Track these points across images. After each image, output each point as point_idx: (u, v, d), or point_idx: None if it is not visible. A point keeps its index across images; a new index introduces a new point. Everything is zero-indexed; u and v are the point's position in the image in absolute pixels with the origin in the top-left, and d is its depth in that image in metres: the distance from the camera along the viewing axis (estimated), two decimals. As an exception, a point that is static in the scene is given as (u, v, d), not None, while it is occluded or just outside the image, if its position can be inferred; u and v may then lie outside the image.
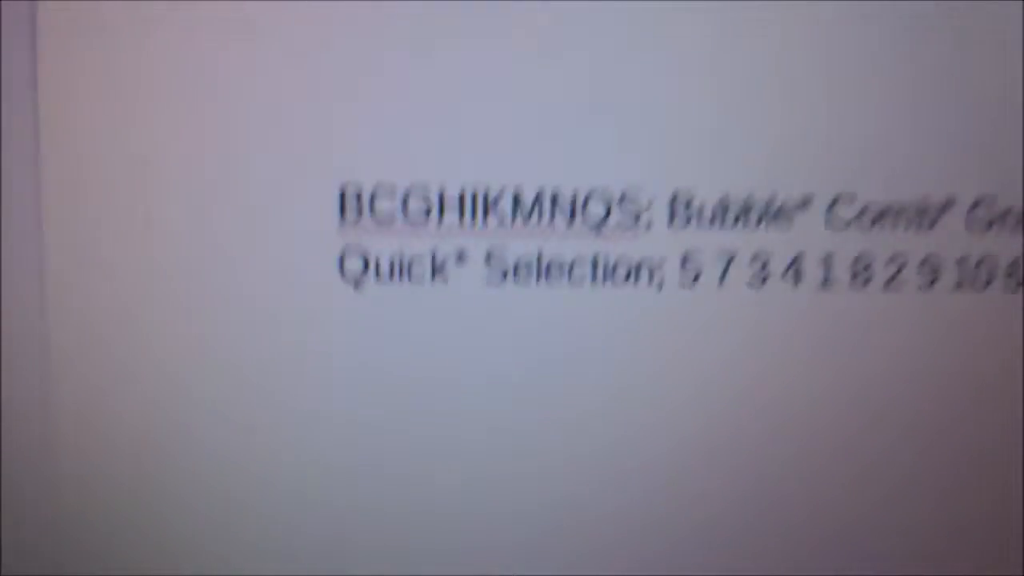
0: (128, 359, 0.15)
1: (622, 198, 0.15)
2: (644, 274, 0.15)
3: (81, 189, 0.15)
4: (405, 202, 0.15)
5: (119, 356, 0.15)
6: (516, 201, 0.15)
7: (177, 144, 0.14)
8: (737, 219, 0.15)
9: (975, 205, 0.15)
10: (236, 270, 0.15)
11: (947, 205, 0.15)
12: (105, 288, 0.15)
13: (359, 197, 0.15)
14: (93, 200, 0.14)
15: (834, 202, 0.15)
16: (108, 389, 0.15)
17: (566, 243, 0.15)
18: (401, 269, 0.15)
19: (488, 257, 0.15)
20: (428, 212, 0.15)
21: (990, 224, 0.15)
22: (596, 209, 0.15)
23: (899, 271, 0.15)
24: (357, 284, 0.15)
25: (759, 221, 0.15)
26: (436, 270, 0.15)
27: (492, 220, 0.15)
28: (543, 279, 0.15)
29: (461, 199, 0.15)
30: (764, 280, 0.15)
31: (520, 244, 0.15)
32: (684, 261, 0.15)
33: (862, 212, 0.15)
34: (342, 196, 0.15)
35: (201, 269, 0.15)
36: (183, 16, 0.14)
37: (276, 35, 0.14)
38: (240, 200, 0.15)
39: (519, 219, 0.15)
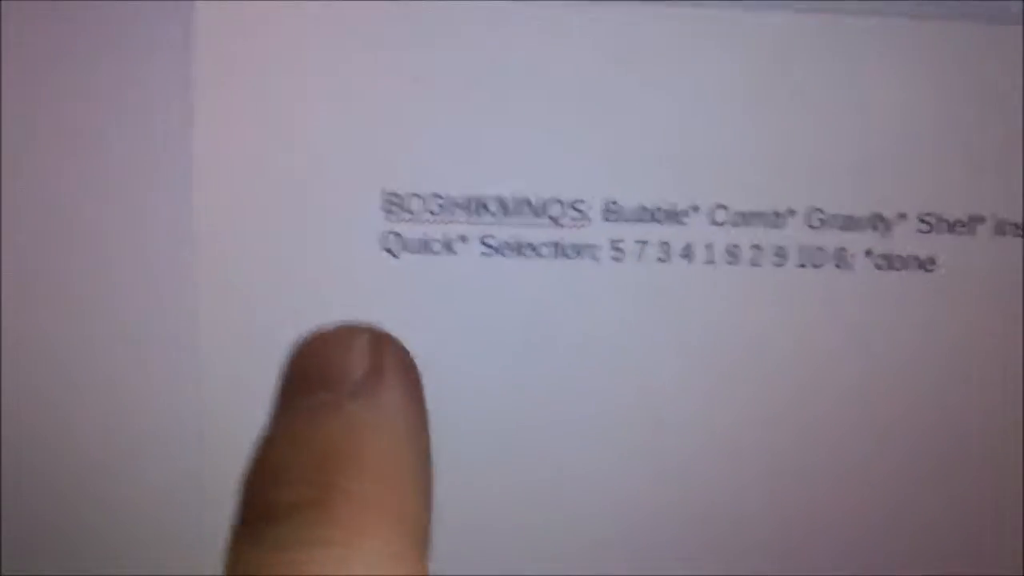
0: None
1: (573, 202, 0.22)
2: (586, 253, 0.22)
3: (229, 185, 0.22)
4: (426, 202, 0.22)
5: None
6: (501, 203, 0.22)
7: (282, 151, 0.22)
8: (649, 217, 0.22)
9: (812, 211, 0.22)
10: (310, 247, 0.22)
11: (791, 211, 0.22)
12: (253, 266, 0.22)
13: (396, 198, 0.22)
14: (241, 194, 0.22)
15: (714, 208, 0.22)
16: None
17: (534, 231, 0.22)
18: (423, 246, 0.22)
19: (482, 239, 0.22)
20: (441, 208, 0.22)
21: (821, 224, 0.22)
22: (554, 209, 0.22)
23: (759, 255, 0.23)
24: (395, 254, 0.22)
25: (662, 219, 0.22)
26: (446, 247, 0.22)
27: (485, 215, 0.22)
28: (519, 254, 0.22)
29: (465, 201, 0.22)
30: (668, 259, 0.23)
31: (504, 231, 0.22)
32: (613, 244, 0.22)
33: (734, 215, 0.22)
34: (384, 197, 0.22)
35: (287, 250, 0.22)
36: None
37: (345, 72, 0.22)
38: (315, 199, 0.22)
39: (502, 215, 0.22)
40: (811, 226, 0.22)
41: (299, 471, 0.13)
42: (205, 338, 0.22)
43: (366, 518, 0.13)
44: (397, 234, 0.22)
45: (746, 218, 0.22)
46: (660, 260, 0.22)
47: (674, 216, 0.22)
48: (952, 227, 0.22)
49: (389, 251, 0.22)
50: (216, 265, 0.22)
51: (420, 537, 0.13)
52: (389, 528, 0.13)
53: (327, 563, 0.12)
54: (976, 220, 0.22)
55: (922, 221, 0.22)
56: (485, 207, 0.22)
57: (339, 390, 0.14)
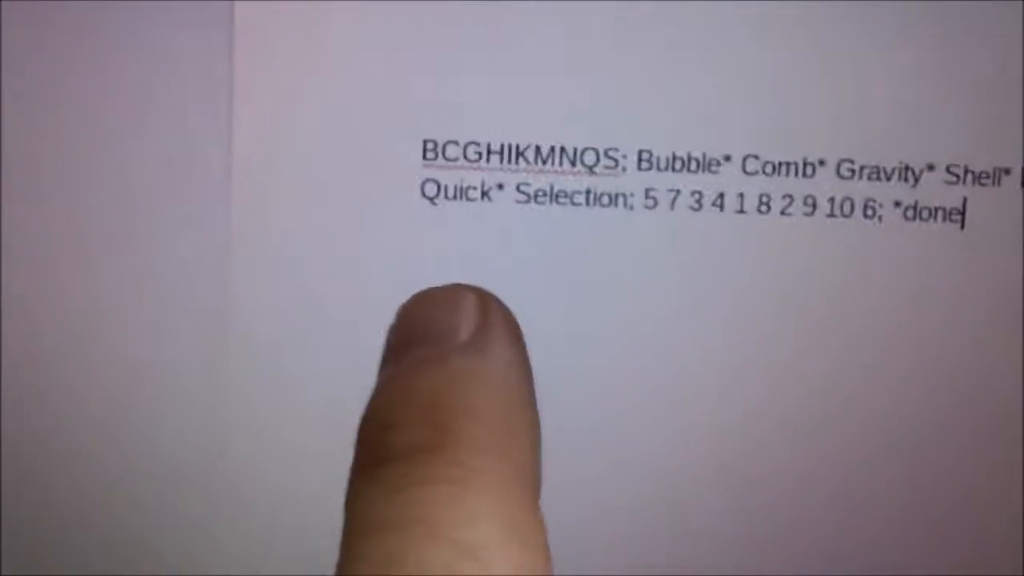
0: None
1: (607, 150, 0.23)
2: (620, 201, 0.23)
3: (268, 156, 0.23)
4: (465, 150, 0.23)
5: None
6: (537, 151, 0.23)
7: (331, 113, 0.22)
8: (681, 166, 0.23)
9: (841, 161, 0.23)
10: (353, 196, 0.23)
11: (822, 162, 0.23)
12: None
13: (436, 146, 0.23)
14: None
15: (746, 158, 0.23)
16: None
17: (569, 179, 0.23)
18: (461, 193, 0.23)
19: (518, 187, 0.23)
20: (479, 156, 0.23)
21: (851, 175, 0.23)
22: (589, 157, 0.23)
23: (789, 204, 0.23)
24: (433, 201, 0.23)
25: (695, 168, 0.23)
26: (484, 194, 0.23)
27: (522, 163, 0.23)
28: (554, 202, 0.23)
29: (501, 149, 0.23)
30: (700, 207, 0.23)
31: (539, 179, 0.23)
32: (647, 193, 0.23)
33: (765, 164, 0.23)
34: (424, 146, 0.23)
35: (332, 196, 0.23)
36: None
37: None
38: (356, 147, 0.23)
39: (538, 163, 0.23)
40: (841, 176, 0.23)
41: (413, 416, 0.13)
42: (237, 287, 0.23)
43: (482, 460, 0.13)
44: (435, 181, 0.23)
45: (777, 167, 0.23)
46: (692, 209, 0.23)
47: (706, 165, 0.23)
48: (979, 178, 0.23)
49: (428, 198, 0.23)
50: (256, 214, 0.23)
51: (533, 483, 0.14)
52: (504, 469, 0.13)
53: (446, 501, 0.12)
54: (1002, 171, 0.23)
55: (949, 172, 0.23)
56: (521, 155, 0.23)
57: (446, 345, 0.14)
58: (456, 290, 0.15)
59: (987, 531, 0.24)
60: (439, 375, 0.14)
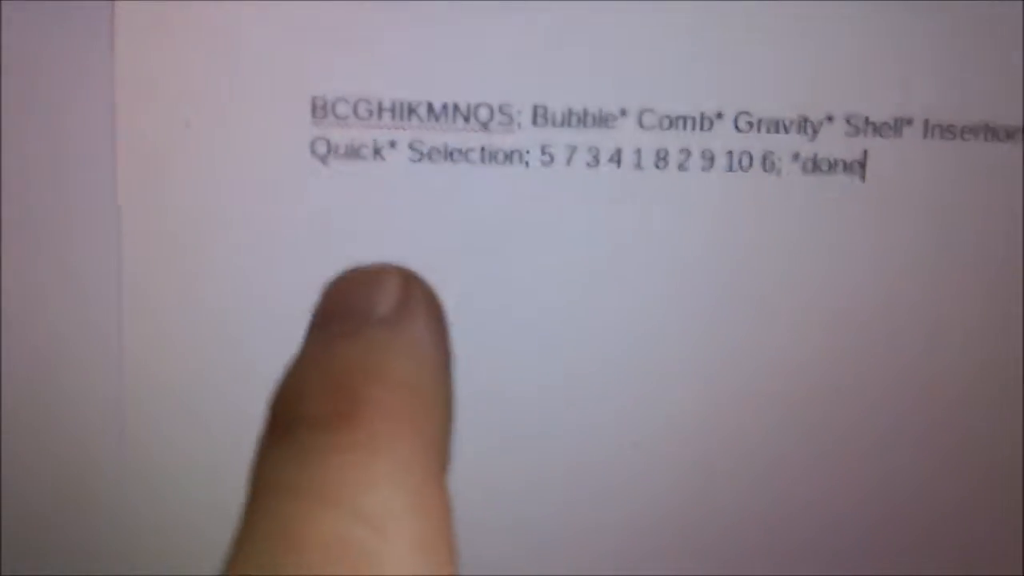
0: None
1: (501, 106, 0.22)
2: (515, 158, 0.23)
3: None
4: (355, 107, 0.22)
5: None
6: (430, 107, 0.22)
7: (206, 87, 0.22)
8: (577, 122, 0.22)
9: (739, 114, 0.23)
10: (239, 154, 0.22)
11: (719, 115, 0.23)
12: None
13: (325, 103, 0.22)
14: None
15: (642, 112, 0.22)
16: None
17: (464, 136, 0.22)
18: (352, 151, 0.22)
19: (411, 145, 0.22)
20: (371, 114, 0.22)
21: (749, 128, 0.23)
22: (483, 114, 0.22)
23: (687, 159, 0.23)
24: (324, 160, 0.22)
25: (591, 124, 0.22)
26: (376, 152, 0.22)
27: (414, 120, 0.22)
28: (449, 160, 0.22)
29: (393, 106, 0.22)
30: (597, 164, 0.23)
31: (432, 136, 0.22)
32: (543, 149, 0.23)
33: (662, 119, 0.22)
34: (313, 103, 0.22)
35: (220, 159, 0.22)
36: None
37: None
38: (243, 106, 0.22)
39: (432, 120, 0.22)
40: (739, 129, 0.22)
41: (325, 385, 0.13)
42: (128, 248, 0.23)
43: (392, 426, 0.13)
44: (325, 139, 0.22)
45: (673, 122, 0.22)
46: (589, 165, 0.23)
47: (603, 120, 0.22)
48: (879, 129, 0.23)
49: (318, 156, 0.22)
50: (141, 175, 0.22)
51: (442, 456, 0.14)
52: (414, 438, 0.13)
53: (350, 467, 0.12)
54: (904, 122, 0.23)
55: (849, 123, 0.22)
56: (413, 112, 0.22)
57: (365, 320, 0.14)
58: (380, 268, 0.15)
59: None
60: (354, 346, 0.14)
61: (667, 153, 0.23)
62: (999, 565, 0.24)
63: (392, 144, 0.22)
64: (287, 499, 0.12)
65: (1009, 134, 0.23)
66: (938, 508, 0.24)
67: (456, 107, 0.22)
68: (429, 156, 0.22)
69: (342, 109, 0.22)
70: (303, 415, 0.13)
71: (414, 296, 0.15)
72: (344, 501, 0.12)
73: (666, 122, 0.22)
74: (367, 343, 0.14)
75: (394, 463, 0.13)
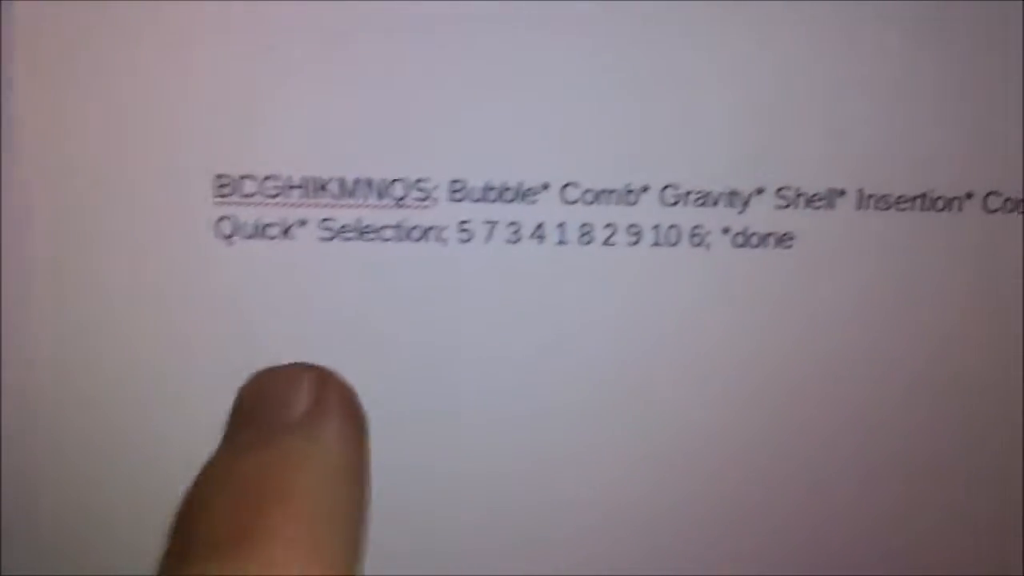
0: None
1: (417, 181, 0.21)
2: (432, 235, 0.21)
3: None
4: (262, 185, 0.21)
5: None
6: (342, 183, 0.21)
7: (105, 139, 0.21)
8: (497, 197, 0.21)
9: (665, 187, 0.22)
10: (139, 234, 0.21)
11: (645, 188, 0.22)
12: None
13: (229, 181, 0.21)
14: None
15: (565, 186, 0.21)
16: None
17: (377, 212, 0.21)
18: (259, 230, 0.21)
19: (322, 222, 0.21)
20: (279, 191, 0.21)
21: (676, 202, 0.22)
22: (397, 189, 0.21)
23: (613, 234, 0.22)
24: (229, 240, 0.21)
25: (512, 199, 0.21)
26: (285, 231, 0.21)
27: (325, 197, 0.21)
28: (362, 238, 0.21)
29: (302, 183, 0.21)
30: (518, 240, 0.22)
31: (344, 213, 0.21)
32: (461, 225, 0.21)
33: (585, 192, 0.21)
34: (216, 181, 0.21)
35: (119, 238, 0.21)
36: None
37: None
38: (143, 183, 0.21)
39: (344, 197, 0.21)
40: (665, 203, 0.22)
41: (224, 506, 0.13)
42: (18, 345, 0.21)
43: (288, 556, 0.12)
44: (230, 218, 0.21)
45: (597, 195, 0.21)
46: (510, 242, 0.22)
47: (523, 195, 0.21)
48: (811, 201, 0.22)
49: (223, 237, 0.21)
50: (40, 255, 0.21)
51: (349, 570, 0.13)
52: (317, 565, 0.12)
53: None
54: (836, 193, 0.22)
55: (779, 195, 0.22)
56: (323, 188, 0.21)
57: (276, 427, 0.14)
58: (294, 369, 0.15)
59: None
60: (259, 458, 0.13)
61: (592, 228, 0.22)
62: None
63: (302, 222, 0.21)
64: None
65: (946, 203, 0.22)
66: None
67: (369, 182, 0.21)
68: (341, 234, 0.21)
69: (248, 187, 0.21)
70: (201, 540, 0.12)
71: (328, 399, 0.14)
72: None
73: (590, 196, 0.21)
74: (273, 456, 0.13)
75: None
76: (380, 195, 0.21)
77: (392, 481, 0.22)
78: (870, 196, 0.22)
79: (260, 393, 0.14)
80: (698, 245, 0.22)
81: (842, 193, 0.22)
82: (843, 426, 0.23)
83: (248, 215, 0.21)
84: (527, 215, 0.21)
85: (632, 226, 0.22)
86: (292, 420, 0.14)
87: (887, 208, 0.22)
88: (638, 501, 0.23)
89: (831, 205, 0.22)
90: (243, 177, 0.21)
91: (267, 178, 0.21)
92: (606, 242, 0.22)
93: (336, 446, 0.14)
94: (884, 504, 0.23)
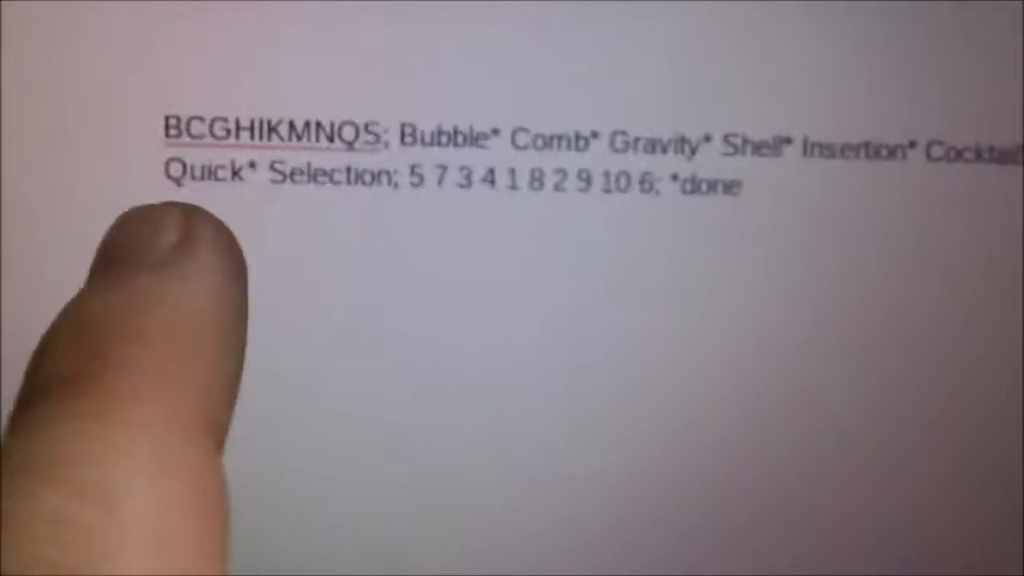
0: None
1: (367, 124, 0.21)
2: (383, 179, 0.21)
3: None
4: (212, 127, 0.21)
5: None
6: (291, 126, 0.21)
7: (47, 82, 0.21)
8: (448, 141, 0.21)
9: (615, 134, 0.22)
10: (89, 174, 0.21)
11: (595, 134, 0.22)
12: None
13: (179, 123, 0.21)
14: None
15: (515, 131, 0.22)
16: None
17: (328, 156, 0.21)
18: (209, 172, 0.21)
19: (272, 165, 0.21)
20: (228, 133, 0.21)
21: (625, 148, 0.22)
22: (348, 132, 0.21)
23: (563, 179, 0.22)
24: (178, 182, 0.21)
25: (462, 143, 0.22)
26: (235, 173, 0.21)
27: (275, 139, 0.21)
28: (313, 181, 0.21)
29: (252, 125, 0.21)
30: (469, 185, 0.22)
31: (295, 156, 0.21)
32: (412, 169, 0.22)
33: (536, 138, 0.22)
34: (166, 122, 0.21)
35: (68, 179, 0.21)
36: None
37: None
38: (94, 125, 0.21)
39: (293, 139, 0.21)
40: (615, 149, 0.22)
41: (67, 346, 0.12)
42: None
43: (139, 390, 0.11)
44: (180, 160, 0.21)
45: (548, 141, 0.22)
46: (461, 186, 0.22)
47: (474, 139, 0.22)
48: (758, 148, 0.22)
49: (172, 178, 0.21)
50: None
51: (207, 418, 0.12)
52: (164, 402, 0.11)
53: (79, 438, 0.11)
54: (783, 140, 0.22)
55: (727, 143, 0.22)
56: (274, 131, 0.21)
57: (136, 263, 0.12)
58: (161, 206, 0.13)
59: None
60: (113, 296, 0.12)
61: (542, 173, 0.22)
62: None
63: (251, 164, 0.21)
64: (9, 480, 0.10)
65: (890, 152, 0.22)
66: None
67: (319, 125, 0.21)
68: (291, 177, 0.21)
69: (197, 128, 0.21)
70: (41, 378, 0.11)
71: (196, 237, 0.13)
72: (63, 475, 0.10)
73: (540, 141, 0.22)
74: (130, 292, 0.12)
75: (133, 430, 0.11)
76: (330, 138, 0.21)
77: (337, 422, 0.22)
78: (815, 144, 0.22)
79: (122, 232, 0.13)
80: (647, 191, 0.22)
81: (788, 141, 0.22)
82: (791, 372, 0.23)
83: (198, 157, 0.21)
84: (478, 160, 0.22)
85: (582, 172, 0.22)
86: (154, 258, 0.12)
87: (832, 156, 0.22)
88: (573, 438, 0.23)
89: (778, 153, 0.22)
90: (192, 118, 0.21)
91: (216, 119, 0.21)
92: (556, 187, 0.22)
93: (201, 285, 0.12)
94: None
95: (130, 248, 0.13)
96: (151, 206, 0.13)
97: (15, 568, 0.10)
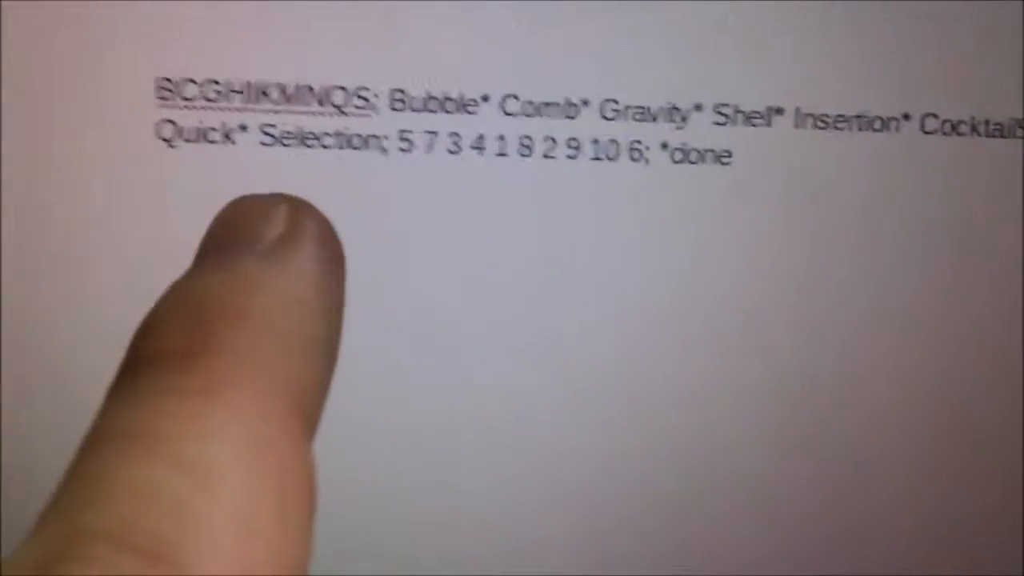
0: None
1: (357, 89, 0.21)
2: (373, 144, 0.22)
3: None
4: (203, 89, 0.21)
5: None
6: (282, 89, 0.21)
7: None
8: (437, 107, 0.22)
9: (605, 102, 0.22)
10: (82, 136, 0.21)
11: (585, 102, 0.22)
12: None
13: (171, 84, 0.21)
14: None
15: (505, 98, 0.22)
16: None
17: (317, 120, 0.21)
18: (200, 134, 0.21)
19: (262, 128, 0.21)
20: (219, 95, 0.21)
21: (616, 116, 0.22)
22: (338, 97, 0.21)
23: (552, 147, 0.22)
24: (170, 144, 0.21)
25: (452, 109, 0.22)
26: (226, 136, 0.21)
27: (266, 102, 0.21)
28: (303, 145, 0.21)
29: (243, 87, 0.21)
30: (458, 151, 0.22)
31: (285, 119, 0.21)
32: (401, 135, 0.22)
33: (526, 105, 0.22)
34: (158, 84, 0.21)
35: (64, 139, 0.21)
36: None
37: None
38: (87, 85, 0.21)
39: (284, 103, 0.21)
40: (605, 117, 0.22)
41: (177, 320, 0.12)
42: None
43: (242, 372, 0.12)
44: (172, 122, 0.21)
45: (537, 108, 0.22)
46: (450, 152, 0.22)
47: (464, 106, 0.22)
48: (749, 118, 0.22)
49: (164, 140, 0.21)
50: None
51: (302, 405, 0.12)
52: (265, 385, 0.12)
53: (182, 413, 0.11)
54: (774, 111, 0.22)
55: (718, 112, 0.22)
56: (264, 93, 0.21)
57: (244, 249, 0.13)
58: (270, 196, 0.14)
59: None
60: (221, 279, 0.12)
61: (532, 140, 0.22)
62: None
63: (243, 127, 0.21)
64: (111, 446, 0.11)
65: (883, 124, 0.22)
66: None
67: (310, 89, 0.21)
68: (282, 140, 0.21)
69: (189, 90, 0.21)
70: (147, 352, 0.12)
71: (301, 228, 0.13)
72: (166, 450, 0.11)
73: (530, 108, 0.22)
74: (236, 277, 0.12)
75: (233, 410, 0.11)
76: (321, 102, 0.21)
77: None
78: (808, 115, 0.22)
79: (232, 219, 0.14)
80: (637, 160, 0.22)
81: (780, 111, 0.22)
82: (780, 340, 0.23)
83: (189, 119, 0.21)
84: (467, 126, 0.22)
85: (572, 139, 0.22)
86: (261, 245, 0.13)
87: (824, 127, 0.22)
88: (552, 409, 0.23)
89: (769, 123, 0.22)
90: (185, 80, 0.21)
91: (208, 82, 0.21)
92: (546, 155, 0.22)
93: (304, 275, 0.13)
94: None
95: (239, 234, 0.13)
96: (261, 195, 0.14)
97: (116, 531, 0.10)
